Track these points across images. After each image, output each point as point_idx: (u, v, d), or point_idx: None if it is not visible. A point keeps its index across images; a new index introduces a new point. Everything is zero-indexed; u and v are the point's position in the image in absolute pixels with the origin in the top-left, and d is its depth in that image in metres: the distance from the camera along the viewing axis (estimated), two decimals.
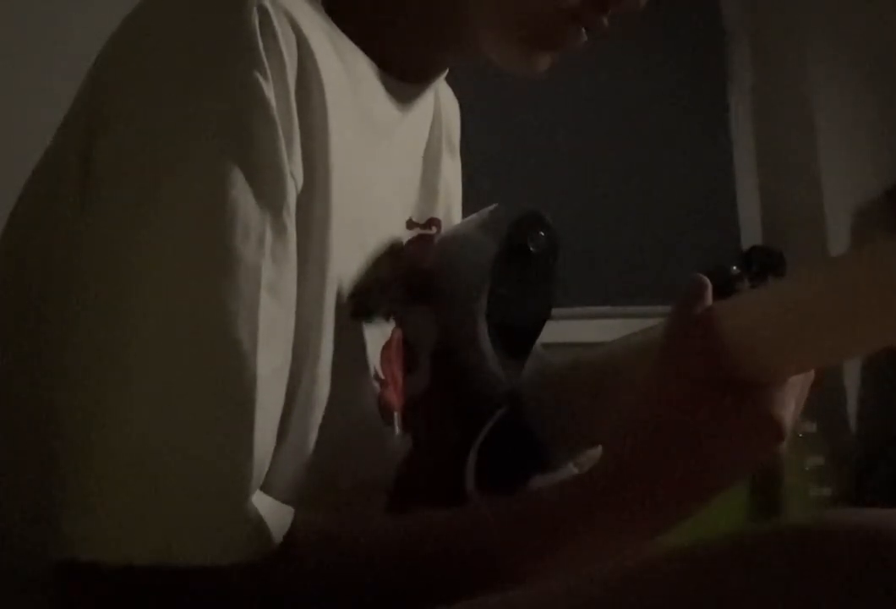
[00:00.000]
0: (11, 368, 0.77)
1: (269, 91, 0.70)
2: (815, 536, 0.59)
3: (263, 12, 0.71)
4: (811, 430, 2.54)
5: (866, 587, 0.56)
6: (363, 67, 0.82)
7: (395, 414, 0.82)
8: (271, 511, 0.68)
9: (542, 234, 0.84)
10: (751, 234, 3.00)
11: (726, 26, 3.08)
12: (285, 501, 0.71)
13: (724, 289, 0.74)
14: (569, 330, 2.18)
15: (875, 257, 0.65)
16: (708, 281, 0.71)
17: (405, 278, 0.85)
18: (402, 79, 0.85)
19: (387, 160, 0.85)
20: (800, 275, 0.69)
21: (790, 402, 0.70)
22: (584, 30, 0.82)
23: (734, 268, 0.81)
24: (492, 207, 0.88)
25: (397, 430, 0.82)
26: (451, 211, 0.99)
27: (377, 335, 0.81)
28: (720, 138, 3.04)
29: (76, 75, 0.79)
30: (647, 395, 0.71)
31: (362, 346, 0.79)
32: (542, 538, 0.72)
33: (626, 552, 0.71)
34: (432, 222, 0.92)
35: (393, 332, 0.83)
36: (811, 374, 0.73)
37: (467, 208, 1.00)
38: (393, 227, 0.85)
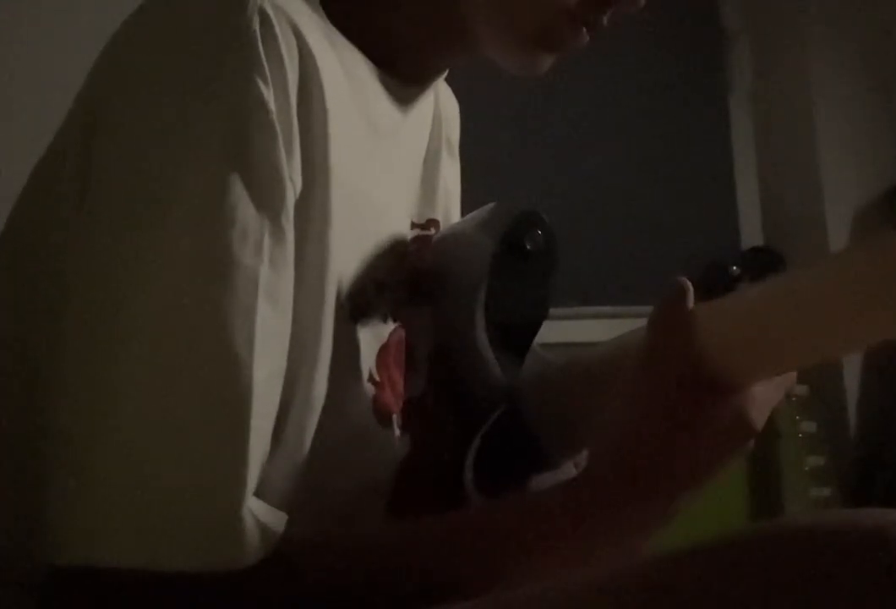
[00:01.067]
0: (4, 370, 0.77)
1: (269, 96, 0.70)
2: (816, 536, 0.59)
3: (264, 16, 0.71)
4: (811, 430, 2.54)
5: (867, 587, 0.56)
6: (363, 69, 0.82)
7: (393, 415, 0.82)
8: (266, 516, 0.68)
9: (540, 232, 0.84)
10: (751, 234, 2.99)
11: (726, 26, 3.08)
12: (281, 506, 0.71)
13: (724, 289, 0.74)
14: (569, 330, 2.19)
15: (851, 262, 0.65)
16: (690, 285, 0.71)
17: (404, 279, 0.85)
18: (402, 80, 0.85)
19: (387, 161, 0.85)
20: (780, 279, 0.69)
21: (766, 402, 0.70)
22: (584, 30, 0.82)
23: (734, 268, 0.81)
24: (489, 206, 0.88)
25: (396, 431, 0.82)
26: (449, 211, 0.99)
27: (372, 337, 0.81)
28: (720, 139, 3.04)
29: (76, 76, 0.79)
30: (629, 398, 0.71)
31: (356, 349, 0.79)
32: (537, 539, 0.72)
33: (618, 553, 0.71)
34: (431, 223, 0.92)
35: (391, 333, 0.83)
36: (791, 376, 0.73)
37: (467, 208, 1.00)
38: (393, 229, 0.85)
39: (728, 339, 0.69)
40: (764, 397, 0.70)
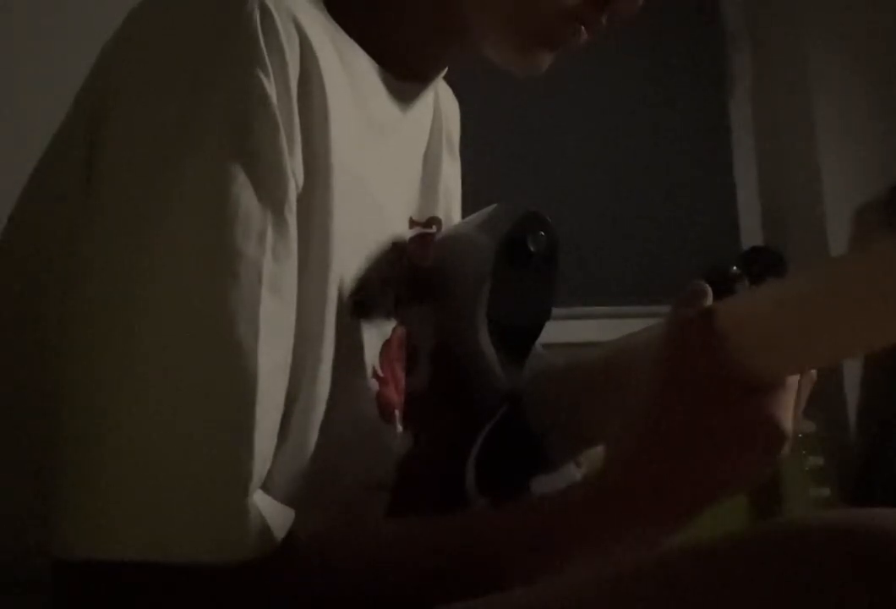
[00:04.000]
0: (9, 365, 0.77)
1: (271, 89, 0.70)
2: (814, 536, 0.59)
3: (265, 10, 0.71)
4: (811, 430, 2.54)
5: (865, 587, 0.56)
6: (364, 66, 0.82)
7: (396, 412, 0.82)
8: (272, 511, 0.68)
9: (542, 233, 0.84)
10: (751, 234, 2.99)
11: (726, 27, 3.08)
12: (286, 501, 0.71)
13: (724, 289, 0.74)
14: (569, 330, 2.18)
15: (875, 257, 0.65)
16: (708, 287, 0.71)
17: (406, 277, 0.85)
18: (403, 78, 0.86)
19: (388, 159, 0.85)
20: (799, 274, 0.69)
21: (790, 403, 0.70)
22: (583, 28, 0.83)
23: (734, 268, 0.81)
24: (492, 207, 0.88)
25: (398, 427, 0.82)
26: (450, 210, 0.99)
27: (376, 333, 0.81)
28: (720, 139, 3.04)
29: (78, 73, 0.80)
30: (648, 398, 0.70)
31: (360, 345, 0.79)
32: (548, 542, 0.72)
33: (630, 555, 0.71)
34: (433, 221, 0.92)
35: (394, 330, 0.83)
36: (812, 375, 0.73)
37: (467, 208, 1.00)
38: (394, 226, 0.85)
39: (749, 334, 0.68)
40: (789, 398, 0.69)
